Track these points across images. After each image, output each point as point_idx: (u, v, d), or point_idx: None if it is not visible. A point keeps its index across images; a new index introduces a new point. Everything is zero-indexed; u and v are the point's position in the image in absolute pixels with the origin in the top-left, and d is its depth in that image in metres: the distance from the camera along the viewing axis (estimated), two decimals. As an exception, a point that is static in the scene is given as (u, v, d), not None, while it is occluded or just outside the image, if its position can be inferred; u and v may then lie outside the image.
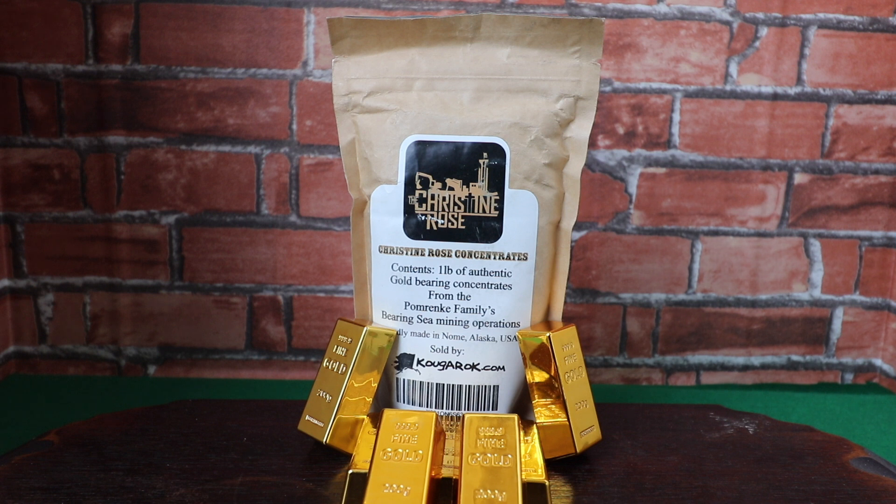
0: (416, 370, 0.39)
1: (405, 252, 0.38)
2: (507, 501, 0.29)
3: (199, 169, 0.57)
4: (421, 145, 0.37)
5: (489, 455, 0.32)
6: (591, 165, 0.58)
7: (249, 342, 0.60)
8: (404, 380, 0.39)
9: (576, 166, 0.38)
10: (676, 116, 0.58)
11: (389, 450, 0.32)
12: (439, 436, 0.34)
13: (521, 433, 0.34)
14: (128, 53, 0.56)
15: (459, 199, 0.37)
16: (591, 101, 0.38)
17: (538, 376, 0.37)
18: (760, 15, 0.57)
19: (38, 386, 0.57)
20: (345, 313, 0.60)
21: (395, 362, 0.39)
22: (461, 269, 0.38)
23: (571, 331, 0.38)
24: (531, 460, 0.34)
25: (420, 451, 0.32)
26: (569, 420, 0.36)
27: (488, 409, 0.39)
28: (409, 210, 0.38)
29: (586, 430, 0.37)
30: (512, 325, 0.38)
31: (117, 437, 0.39)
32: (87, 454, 0.37)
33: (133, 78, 0.56)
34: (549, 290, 0.39)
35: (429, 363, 0.39)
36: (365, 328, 0.38)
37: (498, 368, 0.39)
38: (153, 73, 0.56)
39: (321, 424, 0.37)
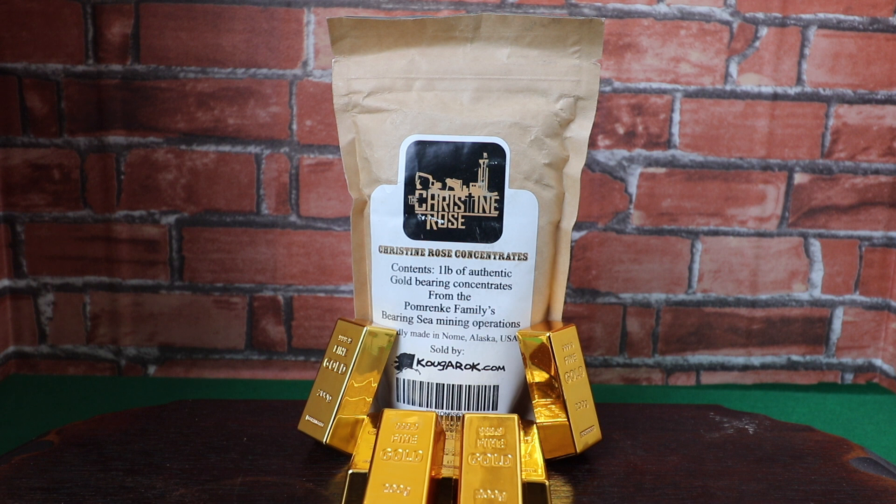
0: (416, 370, 0.39)
1: (405, 252, 0.38)
2: (507, 501, 0.29)
3: (199, 169, 0.57)
4: (421, 145, 0.37)
5: (489, 455, 0.32)
6: (591, 165, 0.58)
7: (249, 342, 0.60)
8: (404, 380, 0.39)
9: (576, 166, 0.38)
10: (676, 116, 0.58)
11: (389, 450, 0.32)
12: (439, 436, 0.34)
13: (521, 433, 0.34)
14: (128, 53, 0.56)
15: (459, 199, 0.37)
16: (591, 101, 0.38)
17: (538, 376, 0.37)
18: (760, 15, 0.57)
19: (38, 386, 0.57)
20: (345, 313, 0.60)
21: (395, 362, 0.39)
22: (461, 269, 0.38)
23: (571, 331, 0.38)
24: (531, 460, 0.34)
25: (420, 451, 0.32)
26: (569, 420, 0.36)
27: (488, 409, 0.39)
28: (409, 210, 0.38)
29: (586, 430, 0.37)
30: (512, 325, 0.38)
31: (117, 437, 0.39)
32: (86, 454, 0.37)
33: (133, 78, 0.56)
34: (549, 290, 0.39)
35: (429, 363, 0.39)
36: (365, 328, 0.38)
37: (498, 368, 0.39)
38: (153, 73, 0.56)
39: (321, 424, 0.37)
